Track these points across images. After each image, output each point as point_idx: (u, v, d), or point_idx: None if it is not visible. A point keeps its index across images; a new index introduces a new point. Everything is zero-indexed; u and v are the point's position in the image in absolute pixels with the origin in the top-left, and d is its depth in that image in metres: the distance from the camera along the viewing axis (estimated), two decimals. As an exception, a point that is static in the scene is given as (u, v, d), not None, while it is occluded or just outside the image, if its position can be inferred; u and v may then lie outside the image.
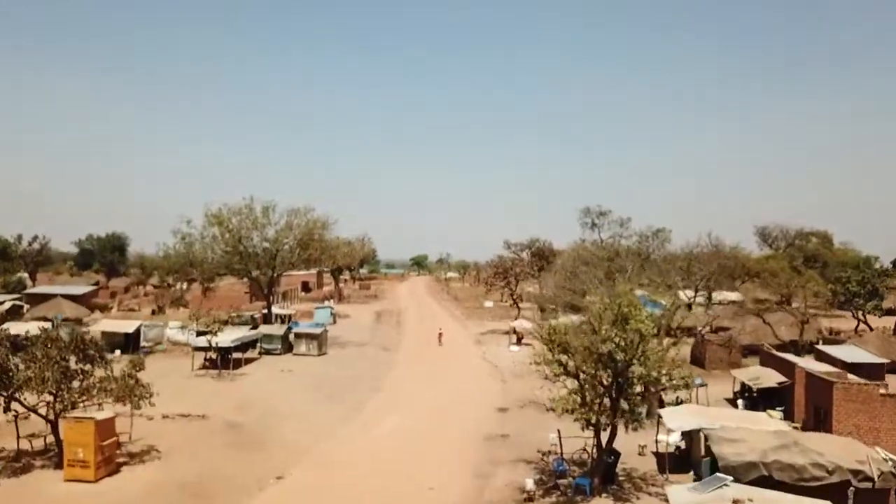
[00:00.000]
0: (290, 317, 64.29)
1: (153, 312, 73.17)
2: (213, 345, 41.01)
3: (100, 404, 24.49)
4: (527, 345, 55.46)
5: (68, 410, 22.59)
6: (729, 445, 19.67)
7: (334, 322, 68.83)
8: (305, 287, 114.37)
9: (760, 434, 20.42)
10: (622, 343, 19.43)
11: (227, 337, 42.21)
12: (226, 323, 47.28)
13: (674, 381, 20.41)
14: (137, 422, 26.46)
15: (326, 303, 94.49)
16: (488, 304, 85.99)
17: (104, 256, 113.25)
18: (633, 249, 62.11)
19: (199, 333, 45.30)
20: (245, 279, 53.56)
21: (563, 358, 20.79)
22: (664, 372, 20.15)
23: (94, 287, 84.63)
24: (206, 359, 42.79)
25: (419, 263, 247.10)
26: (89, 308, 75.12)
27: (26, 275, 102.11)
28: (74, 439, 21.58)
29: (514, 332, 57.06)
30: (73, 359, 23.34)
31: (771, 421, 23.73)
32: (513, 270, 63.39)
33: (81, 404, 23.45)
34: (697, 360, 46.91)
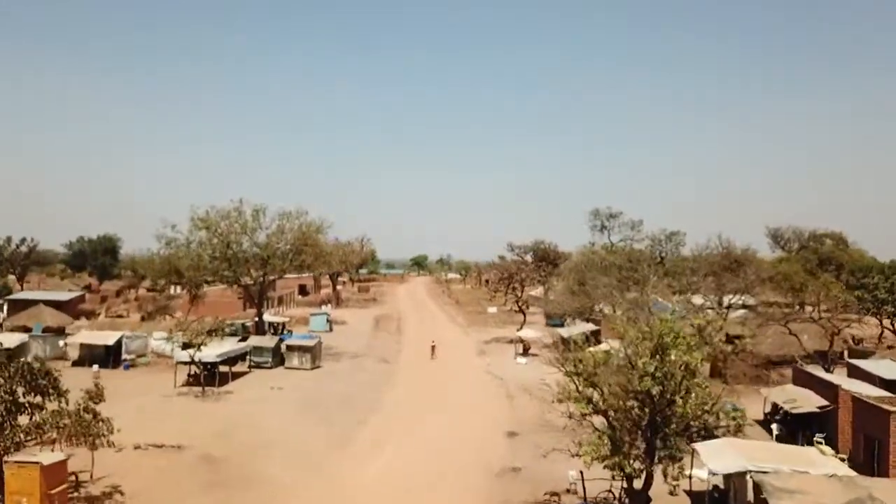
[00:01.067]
0: (283, 325, 61.26)
1: (142, 319, 70.09)
2: (196, 360, 37.89)
3: (53, 442, 21.29)
4: (534, 355, 52.37)
5: (12, 452, 19.42)
6: (789, 499, 16.49)
7: (330, 330, 65.74)
8: (303, 290, 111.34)
9: (824, 482, 17.25)
10: (660, 376, 16.29)
11: (212, 351, 39.08)
12: (213, 333, 44.26)
13: (721, 421, 17.24)
14: (104, 455, 23.26)
15: (323, 308, 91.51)
16: (492, 309, 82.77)
17: (95, 259, 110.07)
18: (646, 254, 59.17)
19: (185, 346, 42.18)
20: (235, 287, 50.18)
21: (589, 391, 17.66)
22: (711, 410, 17.00)
23: (81, 292, 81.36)
24: (189, 374, 39.69)
25: (419, 264, 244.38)
26: (75, 315, 71.99)
27: (13, 277, 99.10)
28: (17, 487, 18.48)
29: (521, 341, 53.90)
30: (20, 390, 20.16)
31: (827, 460, 20.57)
32: (518, 275, 60.14)
33: (33, 443, 20.33)
34: (716, 373, 43.75)
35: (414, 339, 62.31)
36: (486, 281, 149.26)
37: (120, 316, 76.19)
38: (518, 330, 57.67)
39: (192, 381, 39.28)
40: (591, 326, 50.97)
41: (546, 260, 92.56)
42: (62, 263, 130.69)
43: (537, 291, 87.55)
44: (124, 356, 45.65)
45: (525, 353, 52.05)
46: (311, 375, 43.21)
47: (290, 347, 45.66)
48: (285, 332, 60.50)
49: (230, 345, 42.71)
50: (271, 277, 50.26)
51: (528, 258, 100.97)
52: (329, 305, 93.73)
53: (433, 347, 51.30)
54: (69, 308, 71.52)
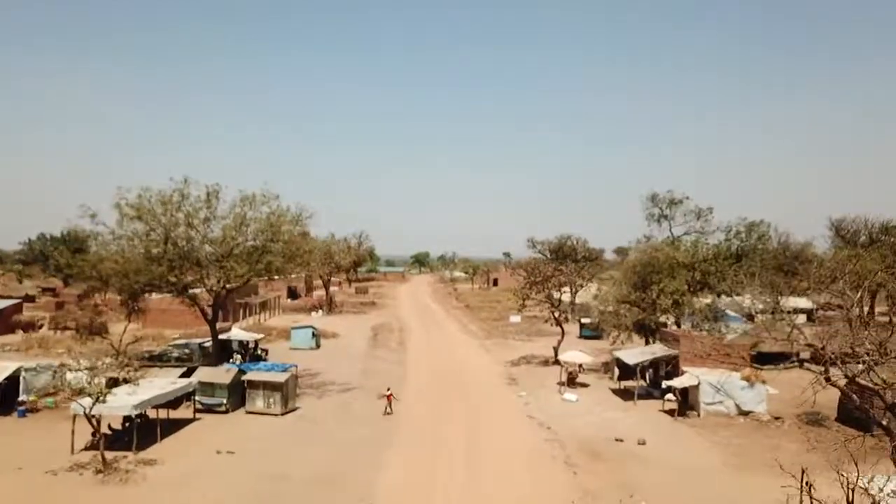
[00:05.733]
0: (257, 343, 48.38)
1: (79, 335, 57.39)
2: (93, 416, 25.08)
3: None
4: (583, 385, 39.65)
5: None
6: None
7: (317, 346, 53.06)
8: (292, 293, 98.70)
9: None
10: None
11: (126, 400, 26.30)
12: (144, 363, 31.56)
13: None
14: None
15: (313, 314, 79.09)
16: (515, 318, 69.73)
17: (56, 258, 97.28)
18: (721, 249, 46.29)
19: (113, 383, 29.47)
20: (182, 298, 37.20)
21: None
22: None
23: (18, 300, 68.72)
24: (93, 433, 26.85)
25: (421, 261, 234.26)
26: (8, 329, 59.64)
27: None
28: None
29: (563, 365, 40.98)
30: None
31: None
32: (555, 279, 47.20)
33: None
34: (852, 418, 31.03)
35: (421, 361, 49.77)
36: (496, 281, 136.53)
37: (66, 328, 63.52)
38: (556, 349, 44.87)
39: (96, 442, 26.45)
40: (660, 348, 38.18)
41: (572, 258, 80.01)
42: (38, 263, 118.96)
43: (564, 293, 74.91)
44: (22, 397, 32.83)
45: (571, 383, 39.17)
46: (280, 426, 30.43)
47: (252, 384, 32.78)
48: (259, 351, 47.80)
49: (162, 384, 29.91)
50: (227, 287, 37.07)
51: (548, 255, 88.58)
52: (320, 311, 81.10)
53: (389, 397, 33.17)
54: (0, 321, 59.14)
